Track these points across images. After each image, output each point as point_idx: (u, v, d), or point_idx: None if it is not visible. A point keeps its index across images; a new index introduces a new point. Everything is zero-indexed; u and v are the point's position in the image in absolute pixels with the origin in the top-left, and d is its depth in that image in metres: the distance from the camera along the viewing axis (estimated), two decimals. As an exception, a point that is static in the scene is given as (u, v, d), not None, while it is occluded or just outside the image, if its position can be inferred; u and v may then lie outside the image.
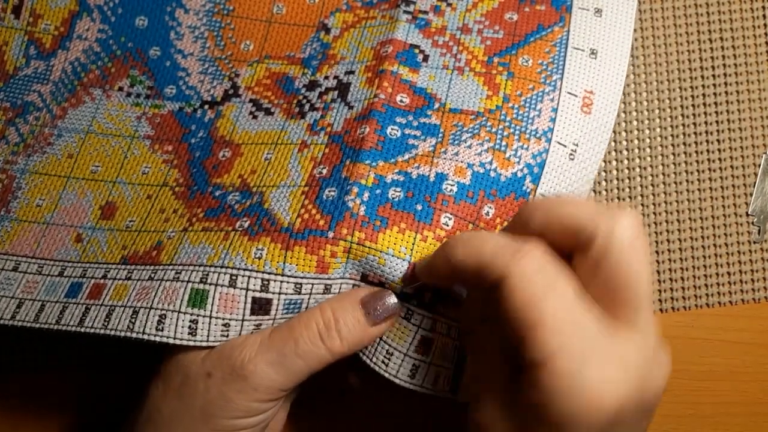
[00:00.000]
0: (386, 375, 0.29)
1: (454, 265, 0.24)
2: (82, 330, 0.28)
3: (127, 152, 0.33)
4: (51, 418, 0.35)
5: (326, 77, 0.33)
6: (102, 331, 0.27)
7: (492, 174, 0.29)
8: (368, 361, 0.29)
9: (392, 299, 0.28)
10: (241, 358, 0.26)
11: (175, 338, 0.27)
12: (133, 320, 0.27)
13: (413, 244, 0.28)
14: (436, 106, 0.31)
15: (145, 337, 0.27)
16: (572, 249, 0.23)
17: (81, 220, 0.32)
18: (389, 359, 0.29)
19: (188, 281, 0.27)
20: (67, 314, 0.28)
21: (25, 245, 0.32)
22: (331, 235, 0.27)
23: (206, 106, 0.34)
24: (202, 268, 0.28)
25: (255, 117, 0.33)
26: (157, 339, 0.27)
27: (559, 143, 0.30)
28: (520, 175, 0.29)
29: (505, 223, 0.29)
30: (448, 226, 0.28)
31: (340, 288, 0.28)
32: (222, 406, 0.26)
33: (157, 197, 0.32)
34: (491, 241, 0.23)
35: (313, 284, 0.28)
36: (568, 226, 0.23)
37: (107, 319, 0.28)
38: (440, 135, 0.30)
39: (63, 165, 0.33)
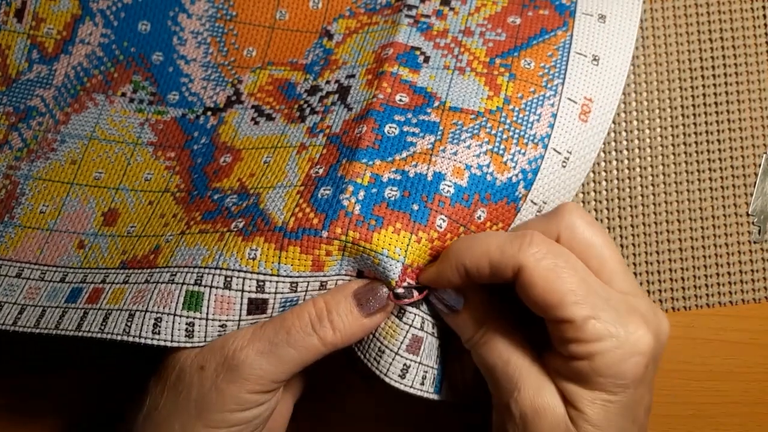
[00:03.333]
0: (377, 372, 0.28)
1: (468, 270, 0.26)
2: (80, 334, 0.28)
3: (130, 159, 0.33)
4: (51, 418, 0.35)
5: (327, 81, 0.33)
6: (99, 335, 0.27)
7: (488, 178, 0.29)
8: (362, 357, 0.29)
9: (385, 291, 0.27)
10: (233, 348, 0.26)
11: (172, 341, 0.27)
12: (129, 323, 0.27)
13: (407, 245, 0.27)
14: (436, 104, 0.30)
15: (142, 340, 0.27)
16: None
17: (84, 227, 0.32)
18: (381, 357, 0.28)
19: (183, 283, 0.27)
20: (66, 319, 0.29)
21: (29, 252, 0.32)
22: (325, 234, 0.27)
23: (209, 113, 0.34)
24: (196, 270, 0.28)
25: (256, 123, 0.33)
26: (154, 342, 0.27)
27: (554, 150, 0.29)
28: (514, 180, 0.29)
29: (494, 228, 0.29)
30: (441, 228, 0.28)
31: (336, 284, 0.28)
32: (214, 399, 0.26)
33: (158, 203, 0.32)
34: (494, 241, 0.25)
35: (309, 282, 0.28)
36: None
37: (104, 323, 0.28)
38: (439, 132, 0.29)
39: (66, 171, 0.33)
